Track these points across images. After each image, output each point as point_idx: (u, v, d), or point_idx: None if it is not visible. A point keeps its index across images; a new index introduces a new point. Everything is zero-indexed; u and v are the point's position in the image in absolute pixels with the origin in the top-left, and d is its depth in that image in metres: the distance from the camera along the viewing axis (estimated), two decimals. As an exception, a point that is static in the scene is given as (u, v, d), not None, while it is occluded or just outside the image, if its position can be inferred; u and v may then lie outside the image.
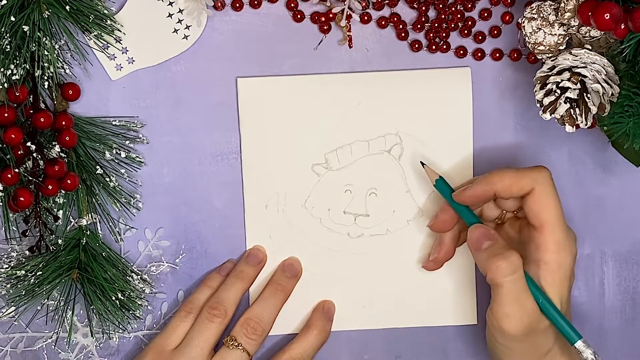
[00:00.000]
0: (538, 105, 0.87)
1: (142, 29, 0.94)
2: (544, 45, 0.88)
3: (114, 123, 0.94)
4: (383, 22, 0.94)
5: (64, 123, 0.92)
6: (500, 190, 0.89)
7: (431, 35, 0.95)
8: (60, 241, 0.93)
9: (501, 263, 0.87)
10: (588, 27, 0.87)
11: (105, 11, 0.92)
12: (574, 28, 0.88)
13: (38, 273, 0.93)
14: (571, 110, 0.86)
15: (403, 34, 0.95)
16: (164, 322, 0.97)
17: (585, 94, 0.86)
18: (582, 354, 0.87)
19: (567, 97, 0.86)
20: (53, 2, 0.89)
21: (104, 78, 0.94)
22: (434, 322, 0.97)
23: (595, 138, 0.95)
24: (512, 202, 0.92)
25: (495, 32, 0.95)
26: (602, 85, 0.85)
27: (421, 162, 0.93)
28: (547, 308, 0.87)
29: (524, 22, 0.89)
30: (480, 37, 0.95)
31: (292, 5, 0.94)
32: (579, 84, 0.86)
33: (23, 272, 0.93)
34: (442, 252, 0.94)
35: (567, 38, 0.89)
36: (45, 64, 0.90)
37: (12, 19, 0.88)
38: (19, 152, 0.90)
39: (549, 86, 0.86)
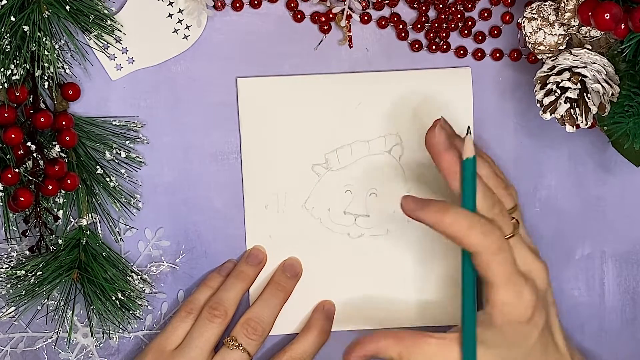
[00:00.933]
0: (538, 105, 0.87)
1: (142, 29, 0.94)
2: (544, 45, 0.88)
3: (114, 123, 0.94)
4: (383, 22, 0.94)
5: (64, 123, 0.92)
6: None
7: (431, 35, 0.95)
8: (60, 241, 0.93)
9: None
10: (588, 27, 0.87)
11: (105, 11, 0.92)
12: (574, 28, 0.88)
13: (38, 273, 0.93)
14: (571, 110, 0.86)
15: (403, 34, 0.95)
16: (164, 322, 0.97)
17: (585, 94, 0.86)
18: None
19: (567, 97, 0.86)
20: (53, 2, 0.89)
21: (104, 78, 0.94)
22: (434, 322, 0.97)
23: (595, 138, 0.95)
24: None
25: (495, 32, 0.95)
26: (602, 85, 0.85)
27: (469, 127, 0.88)
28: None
29: (524, 22, 0.89)
30: (480, 37, 0.95)
31: (292, 5, 0.94)
32: (579, 84, 0.86)
33: (23, 272, 0.93)
34: None
35: (567, 38, 0.89)
36: (46, 64, 0.90)
37: (12, 19, 0.88)
38: (19, 152, 0.90)
39: (549, 86, 0.86)
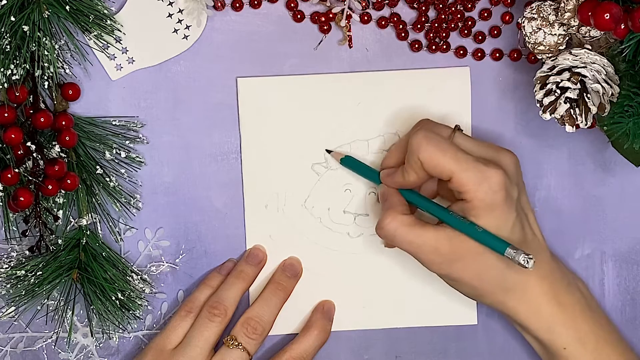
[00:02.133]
0: (538, 105, 0.87)
1: (142, 29, 0.94)
2: (544, 45, 0.88)
3: (114, 123, 0.94)
4: (383, 22, 0.94)
5: (64, 123, 0.92)
6: (401, 180, 0.91)
7: (431, 35, 0.95)
8: (60, 241, 0.93)
9: (381, 226, 0.89)
10: (588, 27, 0.87)
11: (105, 11, 0.92)
12: (573, 28, 0.88)
13: (38, 273, 0.93)
14: (571, 110, 0.86)
15: (403, 34, 0.95)
16: (164, 322, 0.97)
17: (585, 94, 0.86)
18: (514, 259, 0.85)
19: (567, 97, 0.86)
20: (53, 2, 0.89)
21: (104, 78, 0.94)
22: (434, 322, 0.97)
23: (595, 138, 0.95)
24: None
25: (495, 32, 0.95)
26: (602, 85, 0.85)
27: (326, 149, 0.95)
28: (467, 231, 0.87)
29: (523, 22, 0.89)
30: (480, 37, 0.95)
31: (292, 5, 0.94)
32: (578, 84, 0.86)
33: (23, 272, 0.93)
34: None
35: (567, 38, 0.89)
36: (45, 64, 0.90)
37: (12, 19, 0.88)
38: (19, 152, 0.90)
39: (548, 86, 0.86)
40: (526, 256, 0.85)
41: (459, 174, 0.86)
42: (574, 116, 0.86)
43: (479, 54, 0.95)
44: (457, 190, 0.87)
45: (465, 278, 0.89)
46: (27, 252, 0.94)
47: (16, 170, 0.89)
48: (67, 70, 0.93)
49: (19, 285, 0.93)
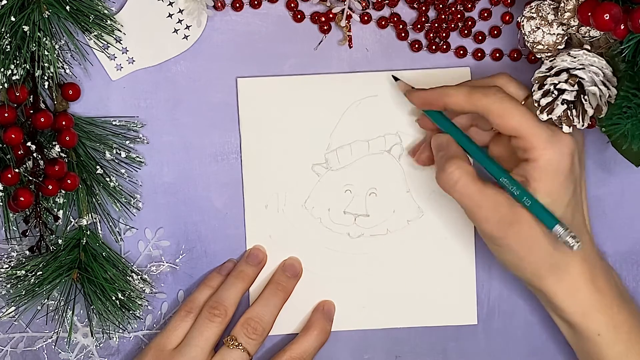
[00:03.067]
0: (536, 105, 0.87)
1: (142, 29, 0.94)
2: (543, 45, 0.88)
3: (114, 123, 0.94)
4: (383, 22, 0.94)
5: (64, 123, 0.92)
6: (451, 104, 0.88)
7: (431, 35, 0.95)
8: (60, 241, 0.93)
9: (443, 172, 0.87)
10: (587, 27, 0.87)
11: (105, 11, 0.92)
12: (573, 28, 0.88)
13: (38, 273, 0.93)
14: (568, 111, 0.86)
15: (403, 34, 0.95)
16: (164, 322, 0.97)
17: (582, 96, 0.86)
18: (561, 237, 0.85)
19: (564, 99, 0.86)
20: (53, 2, 0.89)
21: (104, 78, 0.94)
22: (434, 322, 0.98)
23: (595, 138, 0.95)
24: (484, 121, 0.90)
25: (495, 32, 0.95)
26: (599, 88, 0.85)
27: (393, 76, 0.94)
28: (518, 195, 0.85)
29: (523, 21, 0.89)
30: (480, 37, 0.95)
31: (292, 5, 0.94)
32: (576, 85, 0.86)
33: (23, 272, 0.93)
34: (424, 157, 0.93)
35: (566, 38, 0.88)
36: (46, 64, 0.90)
37: (12, 19, 0.88)
38: (19, 152, 0.90)
39: (546, 87, 0.86)
40: (573, 237, 0.84)
41: (529, 129, 0.85)
42: (571, 117, 0.86)
43: (479, 54, 0.95)
44: (523, 148, 0.85)
45: (514, 245, 0.87)
46: (27, 252, 0.94)
47: (16, 170, 0.89)
48: (67, 70, 0.93)
49: (19, 285, 0.93)
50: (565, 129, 0.87)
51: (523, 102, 0.88)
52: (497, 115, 0.86)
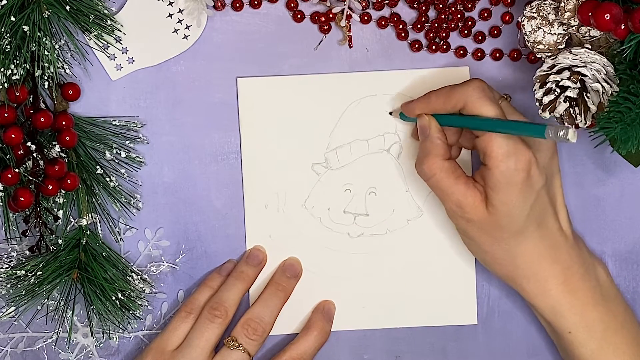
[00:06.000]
0: (537, 104, 0.87)
1: (142, 29, 0.94)
2: (543, 45, 0.88)
3: (114, 123, 0.94)
4: (383, 22, 0.94)
5: (64, 123, 0.92)
6: (437, 108, 0.90)
7: (431, 35, 0.95)
8: (60, 241, 0.93)
9: (420, 166, 0.90)
10: (588, 27, 0.87)
11: (105, 11, 0.92)
12: (573, 27, 0.88)
13: (38, 273, 0.93)
14: (570, 109, 0.86)
15: (403, 34, 0.95)
16: (164, 322, 0.97)
17: (585, 93, 0.86)
18: (560, 134, 0.82)
19: (566, 96, 0.86)
20: (53, 2, 0.89)
21: (104, 78, 0.94)
22: (434, 322, 0.98)
23: (595, 138, 0.95)
24: None
25: (495, 32, 0.95)
26: (601, 85, 0.85)
27: (389, 112, 0.95)
28: (504, 128, 0.86)
29: (523, 20, 0.89)
30: (480, 37, 0.95)
31: (292, 5, 0.94)
32: (578, 83, 0.86)
33: (23, 272, 0.93)
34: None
35: (567, 37, 0.89)
36: (46, 64, 0.90)
37: (12, 19, 0.88)
38: (19, 152, 0.90)
39: (548, 85, 0.86)
40: (567, 129, 0.81)
41: (492, 136, 0.86)
42: (574, 115, 0.86)
43: (479, 54, 0.95)
44: (482, 151, 0.87)
45: (478, 240, 0.90)
46: (27, 252, 0.94)
47: (16, 170, 0.89)
48: (67, 70, 0.93)
49: (19, 285, 0.93)
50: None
51: (499, 101, 0.90)
52: (474, 108, 0.87)
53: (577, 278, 0.91)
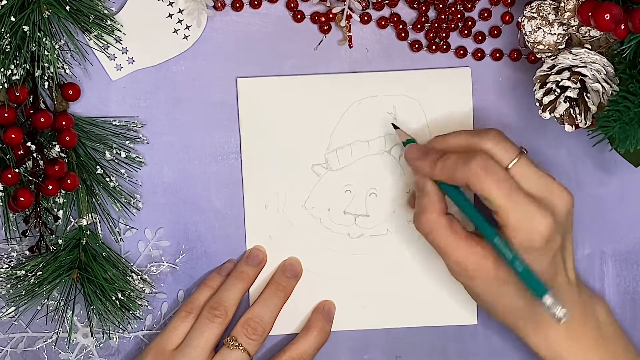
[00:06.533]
0: (537, 104, 0.87)
1: (142, 29, 0.94)
2: (543, 45, 0.88)
3: (114, 123, 0.94)
4: (383, 22, 0.94)
5: (64, 123, 0.92)
6: (437, 177, 0.88)
7: (431, 35, 0.95)
8: (60, 241, 0.93)
9: (418, 222, 0.89)
10: (588, 27, 0.87)
11: (105, 11, 0.92)
12: (573, 28, 0.88)
13: (38, 273, 0.93)
14: (570, 109, 0.86)
15: (403, 34, 0.95)
16: (164, 322, 0.97)
17: (585, 94, 0.86)
18: (549, 308, 0.84)
19: (566, 97, 0.86)
20: (53, 2, 0.89)
21: (104, 78, 0.94)
22: (434, 322, 0.98)
23: (595, 138, 0.95)
24: None
25: (495, 32, 0.95)
26: (602, 85, 0.85)
27: (393, 124, 0.94)
28: (511, 260, 0.86)
29: (523, 21, 0.89)
30: (480, 37, 0.95)
31: (292, 5, 0.94)
32: (578, 83, 0.86)
33: (23, 272, 0.93)
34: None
35: (567, 37, 0.89)
36: (45, 64, 0.90)
37: (12, 19, 0.88)
38: (19, 152, 0.90)
39: (548, 85, 0.86)
40: (562, 309, 0.84)
41: (507, 212, 0.85)
42: (574, 115, 0.86)
43: (479, 54, 0.95)
44: (499, 218, 0.86)
45: (482, 295, 0.89)
46: (27, 252, 0.94)
47: (16, 170, 0.89)
48: (67, 70, 0.93)
49: (19, 285, 0.93)
50: (568, 128, 0.86)
51: (510, 165, 0.87)
52: (476, 189, 0.86)
53: (580, 324, 0.91)
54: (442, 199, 0.89)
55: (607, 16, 0.82)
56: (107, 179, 0.94)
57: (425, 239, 0.90)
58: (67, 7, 0.89)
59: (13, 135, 0.89)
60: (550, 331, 0.90)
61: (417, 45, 0.95)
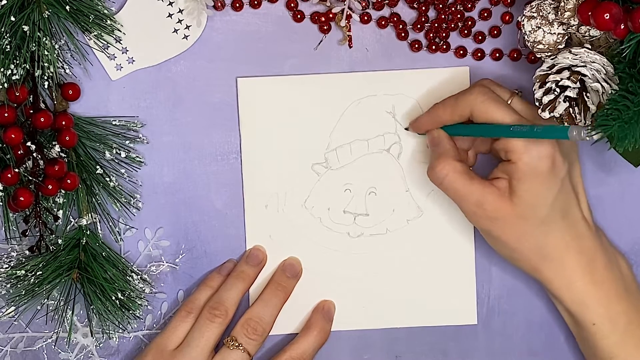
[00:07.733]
0: (537, 103, 0.87)
1: (142, 29, 0.94)
2: (543, 44, 0.88)
3: (114, 123, 0.94)
4: (383, 22, 0.94)
5: (64, 123, 0.92)
6: (445, 120, 0.91)
7: (431, 35, 0.95)
8: (60, 241, 0.93)
9: (432, 169, 0.90)
10: (587, 27, 0.87)
11: (105, 11, 0.92)
12: (573, 27, 0.88)
13: (38, 273, 0.93)
14: (570, 109, 0.86)
15: (403, 34, 0.95)
16: (164, 322, 0.97)
17: (584, 93, 0.86)
18: (581, 137, 0.83)
19: (566, 96, 0.86)
20: (53, 2, 0.89)
21: (104, 78, 0.94)
22: (434, 322, 0.98)
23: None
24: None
25: (495, 32, 0.95)
26: (601, 85, 0.85)
27: (405, 128, 0.96)
28: (526, 134, 0.86)
29: (523, 20, 0.89)
30: (480, 37, 0.95)
31: (292, 5, 0.94)
32: (578, 82, 0.86)
33: (23, 272, 0.93)
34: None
35: (567, 37, 0.89)
36: (45, 64, 0.90)
37: (12, 19, 0.88)
38: (19, 152, 0.90)
39: (548, 84, 0.86)
40: (587, 131, 0.82)
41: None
42: (573, 115, 0.86)
43: (479, 54, 0.95)
44: (504, 151, 0.87)
45: (504, 238, 0.89)
46: (27, 252, 0.94)
47: (16, 170, 0.89)
48: (67, 70, 0.93)
49: (19, 285, 0.93)
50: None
51: (509, 101, 0.90)
52: (481, 114, 0.88)
53: (602, 269, 0.91)
54: (454, 147, 0.91)
55: (606, 16, 0.82)
56: (107, 179, 0.94)
57: (440, 188, 0.90)
58: (67, 7, 0.89)
59: (13, 135, 0.89)
60: (575, 274, 0.90)
61: (417, 45, 0.95)
